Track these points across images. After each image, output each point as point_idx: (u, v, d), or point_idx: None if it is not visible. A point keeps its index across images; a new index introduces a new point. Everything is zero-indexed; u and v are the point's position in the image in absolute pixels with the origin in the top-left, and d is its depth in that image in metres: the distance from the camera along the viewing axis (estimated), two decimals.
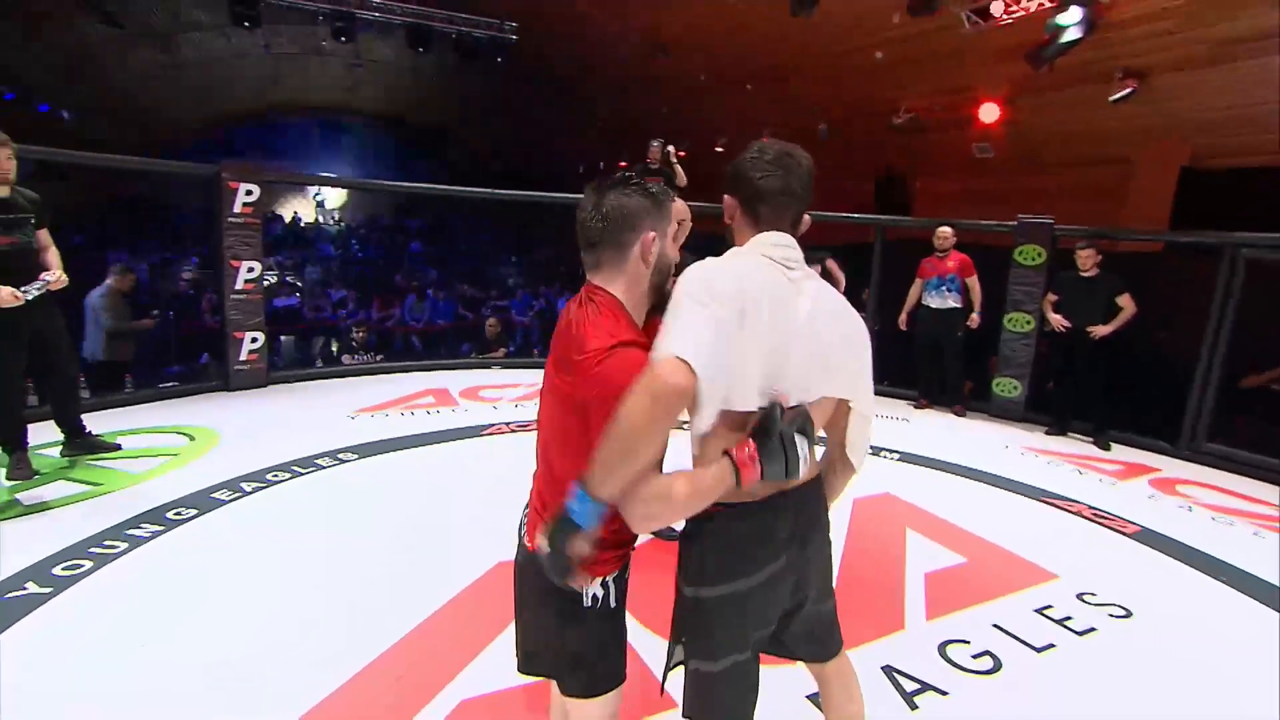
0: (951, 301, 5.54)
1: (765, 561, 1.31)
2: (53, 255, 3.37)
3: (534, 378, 3.45)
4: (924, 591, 2.82)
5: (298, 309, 10.90)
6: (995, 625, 2.59)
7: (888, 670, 2.26)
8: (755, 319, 1.22)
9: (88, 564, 2.62)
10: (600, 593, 1.32)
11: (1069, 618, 2.67)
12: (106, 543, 2.78)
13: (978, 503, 3.88)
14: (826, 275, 3.79)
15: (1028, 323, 5.62)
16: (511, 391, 5.65)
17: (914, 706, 2.11)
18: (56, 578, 2.53)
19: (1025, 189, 8.06)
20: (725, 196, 1.39)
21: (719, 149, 12.05)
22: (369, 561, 2.78)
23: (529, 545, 1.38)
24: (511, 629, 1.49)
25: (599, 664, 1.36)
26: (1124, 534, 3.53)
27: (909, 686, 2.19)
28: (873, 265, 6.36)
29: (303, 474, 3.65)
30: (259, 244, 5.14)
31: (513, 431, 4.59)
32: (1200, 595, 2.97)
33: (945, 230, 5.62)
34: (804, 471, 1.25)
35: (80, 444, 3.65)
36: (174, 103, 13.32)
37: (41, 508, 3.07)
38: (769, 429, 1.21)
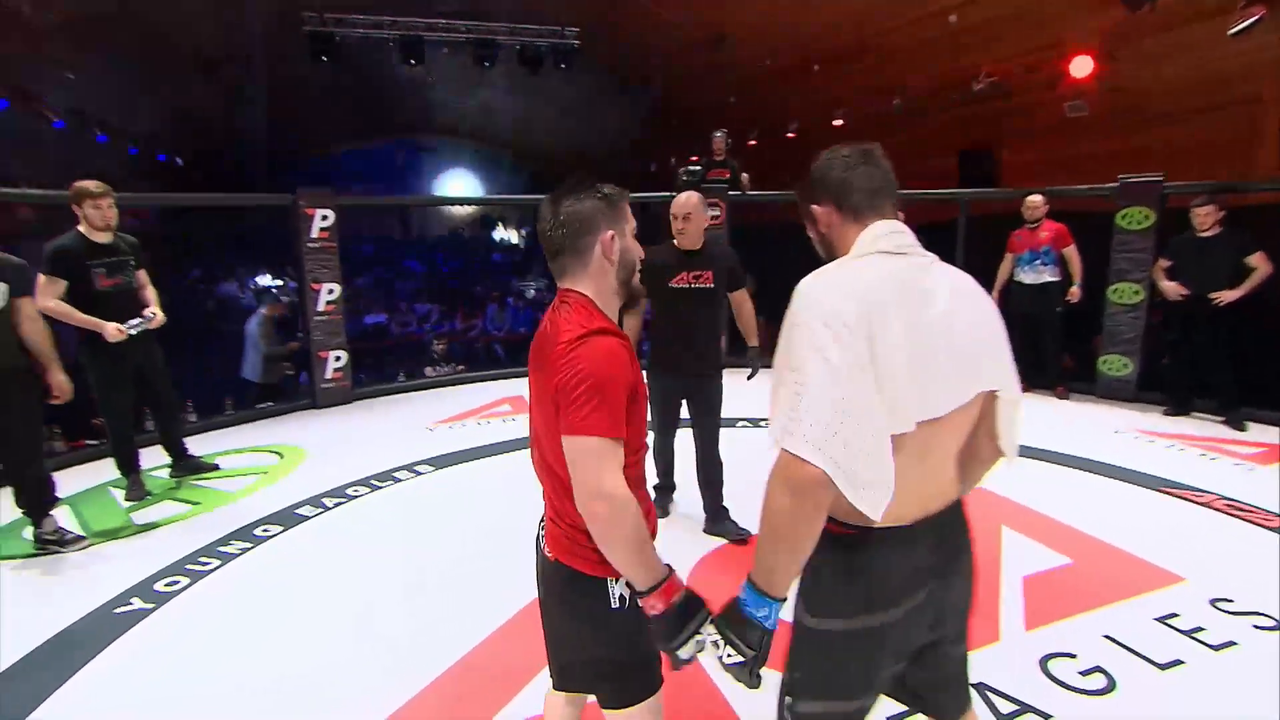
0: (1047, 275, 5.10)
1: (906, 595, 1.15)
2: (151, 294, 3.62)
3: None
4: (1022, 597, 2.56)
5: (385, 325, 11.43)
6: (1107, 637, 2.31)
7: (980, 688, 2.05)
8: (884, 334, 1.07)
9: (184, 580, 2.79)
10: (626, 592, 1.26)
11: (1200, 628, 2.35)
12: (202, 560, 2.95)
13: (1085, 495, 3.53)
14: None
15: (1136, 293, 5.10)
16: None
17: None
18: (158, 593, 2.69)
19: (1126, 150, 7.30)
20: (814, 208, 1.27)
21: (790, 135, 11.71)
22: (440, 574, 2.81)
23: (549, 555, 1.33)
24: None
25: (633, 668, 1.31)
26: (1268, 528, 3.10)
27: (1005, 708, 1.98)
28: (957, 242, 5.95)
29: (380, 488, 3.76)
30: (337, 266, 5.37)
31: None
32: None
33: (1035, 199, 5.18)
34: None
35: (184, 466, 3.91)
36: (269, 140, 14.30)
37: (149, 527, 3.30)
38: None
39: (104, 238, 3.42)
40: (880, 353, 1.07)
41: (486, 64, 11.49)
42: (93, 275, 3.33)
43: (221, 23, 9.29)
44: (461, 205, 18.74)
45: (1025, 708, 1.98)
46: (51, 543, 3.05)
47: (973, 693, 1.38)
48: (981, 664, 2.15)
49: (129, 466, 3.62)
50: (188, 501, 3.60)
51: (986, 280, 5.32)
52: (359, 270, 16.91)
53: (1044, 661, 2.18)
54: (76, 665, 2.25)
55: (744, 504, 3.18)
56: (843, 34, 8.93)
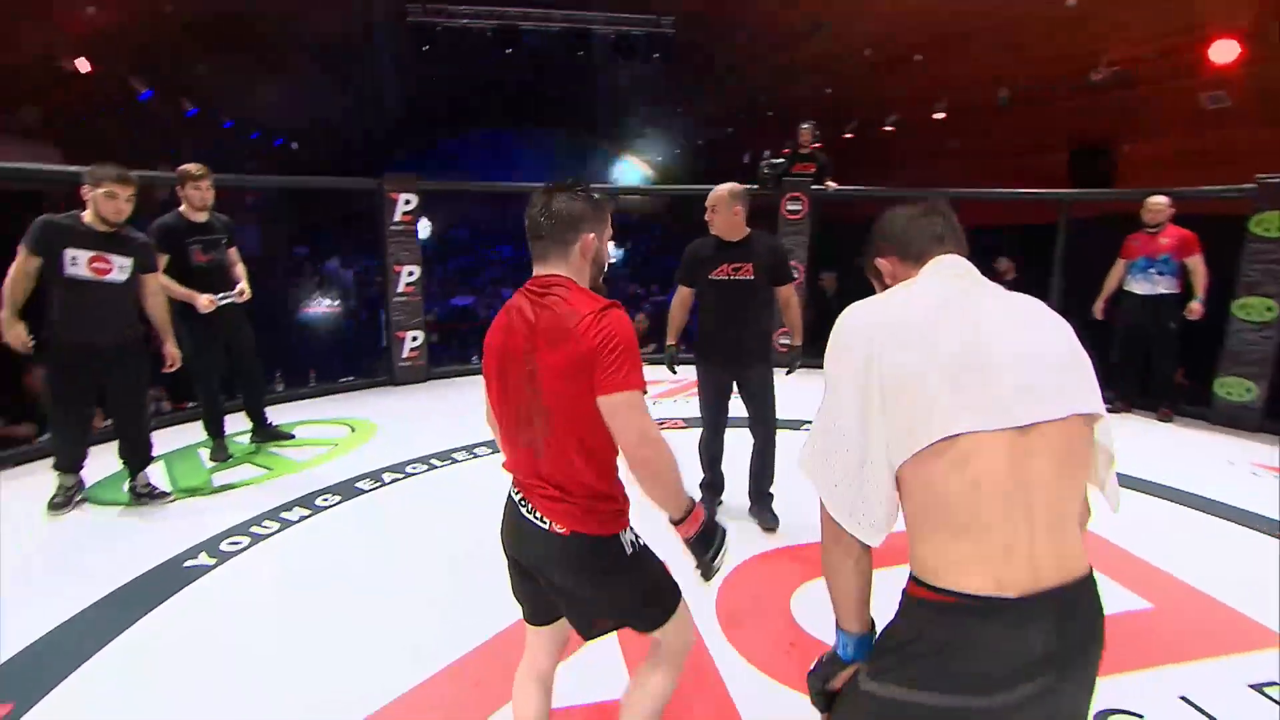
0: (1163, 287, 4.63)
1: (1002, 685, 0.94)
2: (240, 270, 3.88)
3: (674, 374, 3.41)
4: None
5: (473, 307, 11.85)
6: (1184, 698, 2.06)
7: None
8: (891, 350, 1.01)
9: (246, 540, 2.98)
10: (634, 537, 1.47)
11: None
12: (265, 523, 3.14)
13: (1182, 533, 3.18)
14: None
15: (1269, 309, 4.53)
16: (651, 387, 5.63)
17: None
18: (222, 551, 2.89)
19: (1264, 146, 6.52)
20: (878, 262, 1.25)
21: (888, 128, 11.17)
22: (480, 555, 2.85)
23: (562, 531, 1.39)
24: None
25: (657, 592, 1.50)
26: None
27: None
28: (1056, 247, 5.49)
29: (438, 468, 3.89)
30: (417, 249, 5.58)
31: (663, 429, 4.55)
32: None
33: (1159, 200, 4.69)
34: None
35: (264, 434, 4.18)
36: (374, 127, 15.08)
37: (225, 488, 3.55)
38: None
39: (201, 217, 3.69)
40: (876, 368, 1.00)
41: (580, 53, 11.63)
42: (190, 251, 3.60)
43: (335, 17, 9.82)
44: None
45: None
46: (143, 496, 3.33)
47: None
48: None
49: (215, 430, 3.91)
50: (262, 467, 3.84)
51: (1091, 290, 4.92)
52: (453, 254, 17.64)
53: (1103, 717, 1.97)
54: (144, 610, 2.45)
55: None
56: (946, 20, 8.38)
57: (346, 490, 3.52)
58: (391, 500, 3.46)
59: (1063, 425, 0.99)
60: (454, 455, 4.05)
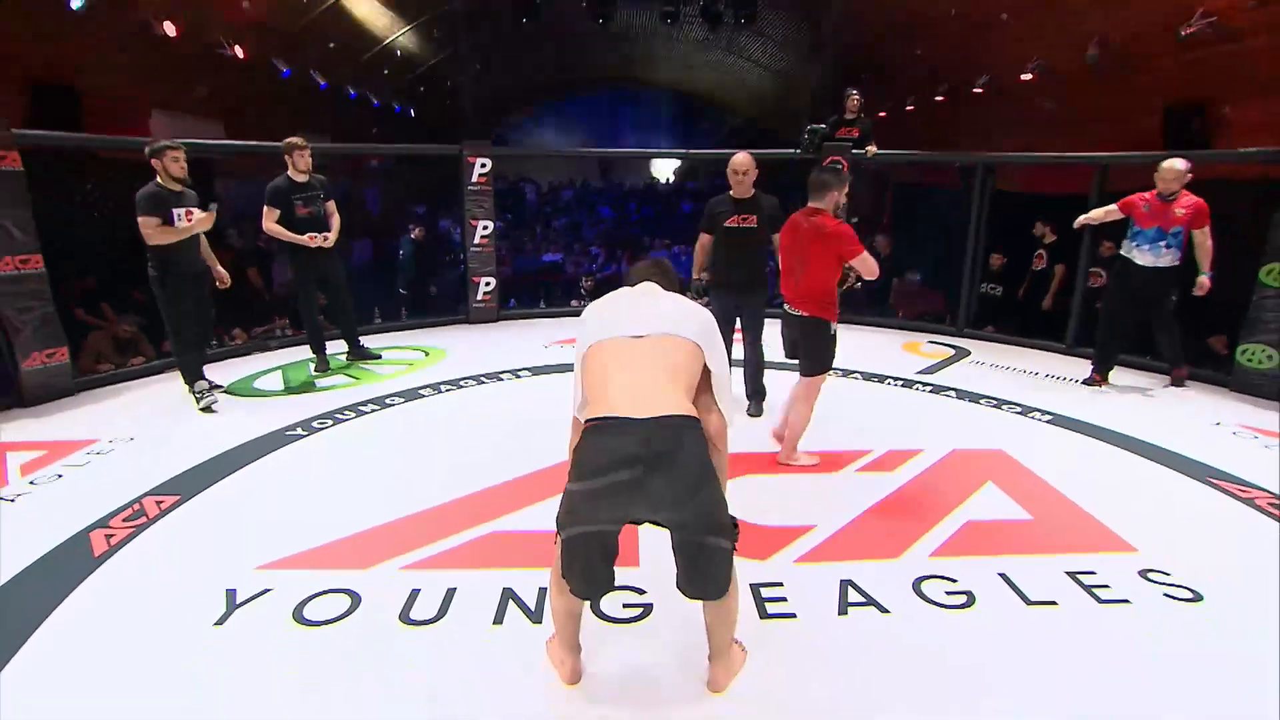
0: (1168, 259, 4.47)
1: (604, 471, 1.59)
2: (335, 221, 4.87)
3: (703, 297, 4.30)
4: (951, 535, 2.80)
5: (560, 263, 12.80)
6: (1001, 574, 2.52)
7: (847, 585, 2.42)
8: (590, 322, 1.95)
9: (330, 422, 3.98)
10: (835, 329, 3.28)
11: (1104, 585, 2.46)
12: (345, 412, 4.14)
13: (1122, 478, 3.43)
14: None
15: None
16: None
17: (843, 613, 2.29)
18: (312, 428, 3.90)
19: None
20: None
21: (977, 90, 10.84)
22: (495, 444, 3.68)
23: (804, 314, 3.28)
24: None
25: (827, 358, 3.32)
26: None
27: (854, 598, 2.36)
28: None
29: (486, 384, 4.78)
30: (491, 206, 6.47)
31: None
32: None
33: (1178, 165, 4.42)
34: None
35: (356, 353, 5.24)
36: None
37: (324, 389, 4.61)
38: None
39: (302, 178, 4.68)
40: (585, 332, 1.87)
41: (669, 20, 12.05)
42: (294, 205, 4.61)
43: None
44: (618, 156, 19.31)
45: (872, 601, 2.35)
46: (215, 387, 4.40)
47: (731, 598, 1.77)
48: (862, 571, 2.53)
49: (318, 348, 4.99)
50: (352, 377, 4.89)
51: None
52: (558, 214, 18.70)
53: (919, 581, 2.48)
54: (254, 457, 3.48)
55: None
56: None
57: (410, 395, 4.48)
58: (441, 403, 4.38)
59: (659, 339, 1.78)
60: (500, 376, 4.93)
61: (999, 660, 2.09)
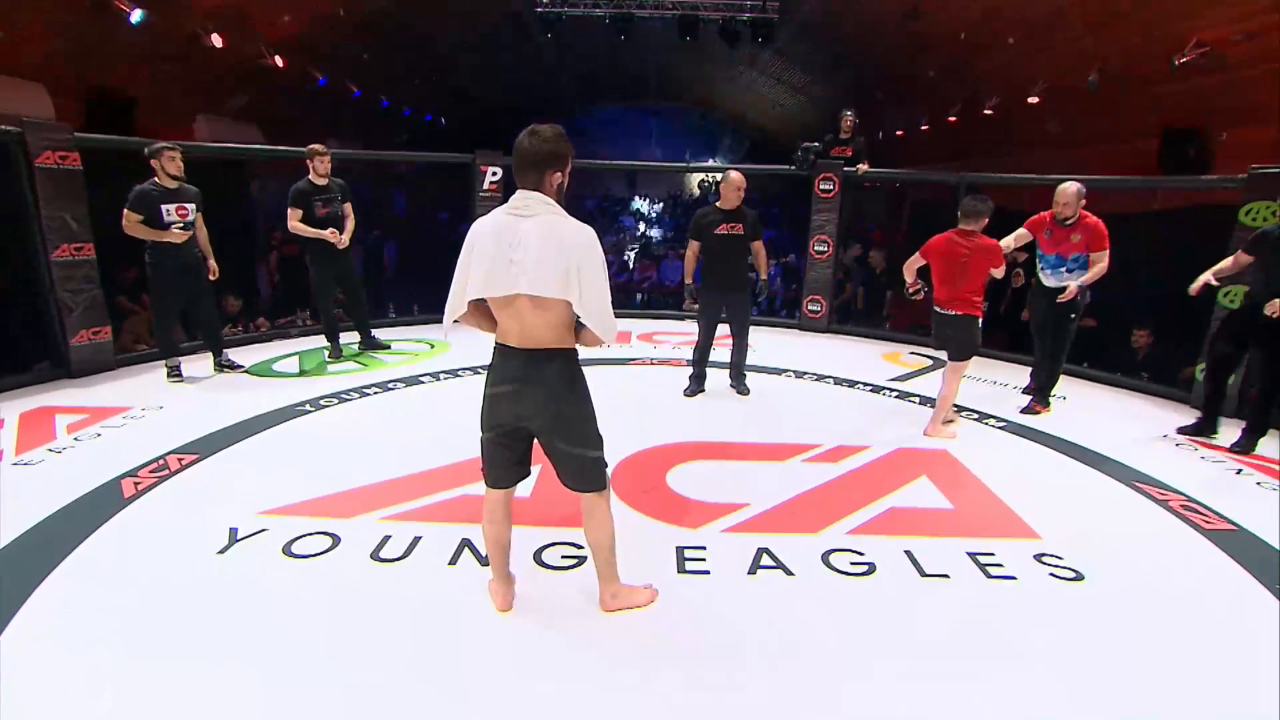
0: (1072, 280, 4.38)
1: (500, 382, 2.11)
2: (349, 222, 5.33)
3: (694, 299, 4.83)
4: (872, 518, 3.11)
5: None
6: (907, 551, 2.82)
7: (762, 552, 2.75)
8: (475, 250, 2.03)
9: (336, 401, 4.42)
10: (981, 323, 4.07)
11: (997, 564, 2.75)
12: (350, 394, 4.58)
13: (1049, 478, 3.70)
14: None
15: (1249, 297, 4.67)
16: (680, 337, 6.62)
17: (752, 572, 2.63)
18: (319, 405, 4.34)
19: None
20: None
21: (988, 111, 11.05)
22: (473, 427, 4.07)
23: (957, 313, 4.03)
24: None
25: (975, 345, 4.07)
26: (1201, 528, 3.16)
27: (767, 561, 2.69)
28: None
29: (482, 374, 5.14)
30: None
31: (649, 365, 5.55)
32: (1221, 603, 2.61)
33: (1069, 189, 4.32)
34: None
35: (367, 343, 5.69)
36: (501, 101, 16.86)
37: (335, 373, 5.07)
38: None
39: (322, 181, 5.15)
40: (471, 255, 2.03)
41: (688, 38, 12.47)
42: (314, 206, 5.08)
43: (473, 8, 11.41)
44: (624, 169, 19.47)
45: (780, 566, 2.67)
46: (226, 367, 4.93)
47: (599, 510, 2.22)
48: (785, 544, 2.86)
49: (332, 337, 5.45)
50: (361, 364, 5.35)
51: (1179, 284, 4.42)
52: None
53: (830, 552, 2.80)
54: (265, 427, 3.92)
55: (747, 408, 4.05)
56: (1038, 3, 8.36)
57: (411, 381, 4.91)
58: (438, 389, 4.81)
59: (532, 301, 1.99)
60: None
61: (877, 616, 2.40)
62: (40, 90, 7.40)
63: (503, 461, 2.20)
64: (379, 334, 5.93)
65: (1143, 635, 2.34)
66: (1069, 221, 4.38)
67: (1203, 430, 4.35)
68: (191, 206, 4.57)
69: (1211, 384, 4.38)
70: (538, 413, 2.09)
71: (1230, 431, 4.25)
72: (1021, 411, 4.71)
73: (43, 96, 7.44)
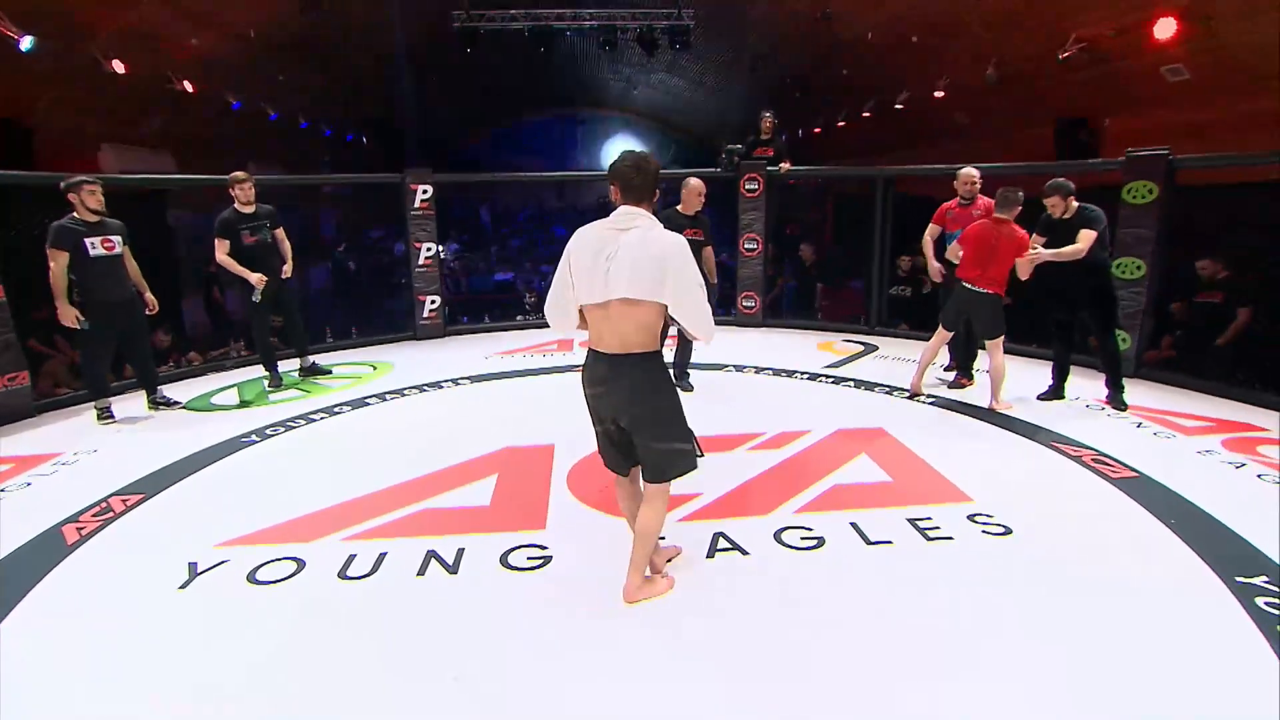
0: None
1: (592, 384, 2.31)
2: (287, 248, 5.23)
3: None
4: (818, 496, 3.30)
5: (512, 281, 13.23)
6: (852, 523, 3.02)
7: (718, 536, 2.89)
8: (575, 259, 2.23)
9: (282, 430, 4.34)
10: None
11: (936, 527, 2.98)
12: (297, 420, 4.51)
13: (975, 445, 3.99)
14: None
15: (1138, 269, 5.15)
16: None
17: (711, 556, 2.77)
18: (265, 434, 4.26)
19: (1242, 115, 6.85)
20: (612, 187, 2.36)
21: (899, 106, 11.65)
22: (430, 440, 4.09)
23: (988, 291, 4.40)
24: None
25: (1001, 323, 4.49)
26: (1108, 478, 3.48)
27: (723, 545, 2.83)
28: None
29: (427, 391, 5.18)
30: (434, 229, 6.90)
31: None
32: (1128, 540, 2.90)
33: (970, 173, 4.96)
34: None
35: (307, 369, 5.59)
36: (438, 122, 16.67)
37: (276, 402, 4.97)
38: None
39: (249, 209, 5.01)
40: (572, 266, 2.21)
41: (608, 48, 12.66)
42: (241, 235, 4.93)
43: (387, 27, 11.27)
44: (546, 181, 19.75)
45: (736, 547, 2.83)
46: (161, 404, 4.77)
47: (657, 499, 2.37)
48: (736, 525, 3.01)
49: (270, 365, 5.32)
50: (304, 390, 5.25)
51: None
52: (514, 234, 19.12)
53: (781, 531, 2.96)
54: (212, 460, 3.83)
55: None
56: (937, 4, 8.90)
57: (358, 404, 4.87)
58: (385, 409, 4.78)
59: (623, 305, 2.18)
60: (441, 384, 5.33)
61: (827, 583, 2.58)
62: None
63: (610, 451, 2.43)
64: (321, 359, 5.83)
65: (1065, 575, 2.60)
66: (968, 201, 5.01)
67: (1056, 394, 4.78)
68: (118, 239, 4.43)
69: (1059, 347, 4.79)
70: (623, 410, 2.28)
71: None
72: (949, 386, 5.05)
73: None
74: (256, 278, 4.96)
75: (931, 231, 5.20)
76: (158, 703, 1.98)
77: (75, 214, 4.29)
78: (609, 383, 2.24)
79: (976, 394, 4.87)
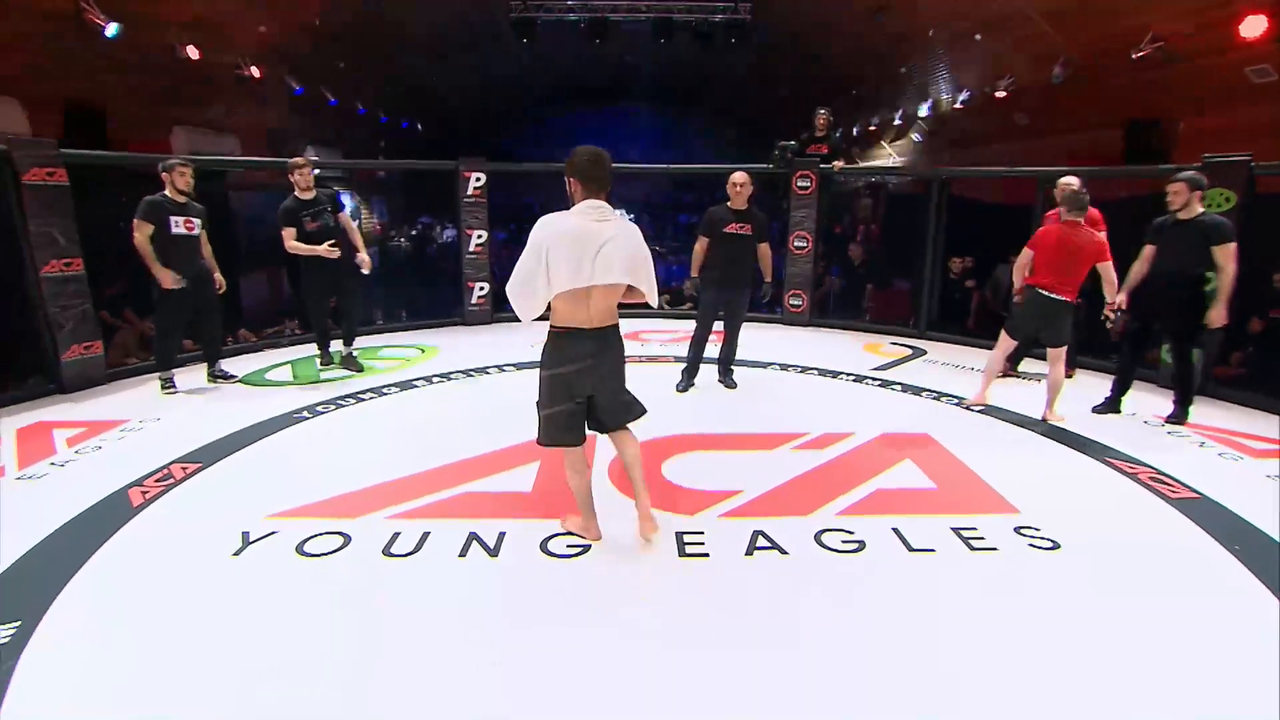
0: None
1: (575, 360, 2.50)
2: (355, 235, 5.30)
3: (691, 326, 4.92)
4: (860, 499, 3.25)
5: None
6: (894, 529, 2.96)
7: (758, 534, 2.88)
8: (554, 248, 2.40)
9: (332, 408, 4.48)
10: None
11: (980, 537, 2.91)
12: (346, 399, 4.65)
13: (1026, 456, 3.88)
14: None
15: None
16: (667, 335, 6.75)
17: (750, 553, 2.76)
18: (316, 411, 4.40)
19: None
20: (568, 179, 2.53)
21: (957, 106, 11.33)
22: (473, 424, 4.17)
23: (1065, 299, 4.18)
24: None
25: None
26: (1166, 497, 3.34)
27: (762, 543, 2.82)
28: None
29: (472, 377, 5.27)
30: (486, 217, 7.00)
31: (640, 363, 5.66)
32: (1186, 564, 2.78)
33: (1069, 181, 4.71)
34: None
35: (346, 358, 5.64)
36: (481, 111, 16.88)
37: (326, 381, 5.12)
38: None
39: (308, 195, 5.04)
40: (548, 256, 2.33)
41: (663, 40, 12.61)
42: (303, 221, 5.03)
43: (447, 15, 11.44)
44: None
45: (775, 546, 2.81)
46: (219, 378, 4.97)
47: (640, 413, 2.71)
48: (779, 526, 2.99)
49: (323, 345, 5.47)
50: (354, 370, 5.40)
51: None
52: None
53: (821, 532, 2.93)
54: (266, 434, 3.98)
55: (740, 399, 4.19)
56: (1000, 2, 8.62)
57: (405, 385, 4.99)
58: (431, 392, 4.89)
59: (606, 288, 2.36)
60: (486, 370, 5.42)
61: (871, 587, 2.55)
62: (13, 104, 7.34)
63: (579, 424, 2.63)
64: (371, 340, 5.98)
65: (1116, 595, 2.51)
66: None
67: (1112, 407, 4.58)
68: (198, 221, 4.67)
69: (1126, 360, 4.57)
70: (611, 374, 2.60)
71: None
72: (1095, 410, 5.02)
73: (15, 110, 7.38)
74: (325, 249, 4.98)
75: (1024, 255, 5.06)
76: (209, 665, 2.07)
77: (166, 192, 4.55)
78: (598, 354, 2.51)
79: (1027, 403, 4.71)
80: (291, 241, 5.03)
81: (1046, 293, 4.26)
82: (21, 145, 4.47)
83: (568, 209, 2.48)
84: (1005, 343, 4.53)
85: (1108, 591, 2.53)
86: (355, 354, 5.61)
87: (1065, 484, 3.52)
